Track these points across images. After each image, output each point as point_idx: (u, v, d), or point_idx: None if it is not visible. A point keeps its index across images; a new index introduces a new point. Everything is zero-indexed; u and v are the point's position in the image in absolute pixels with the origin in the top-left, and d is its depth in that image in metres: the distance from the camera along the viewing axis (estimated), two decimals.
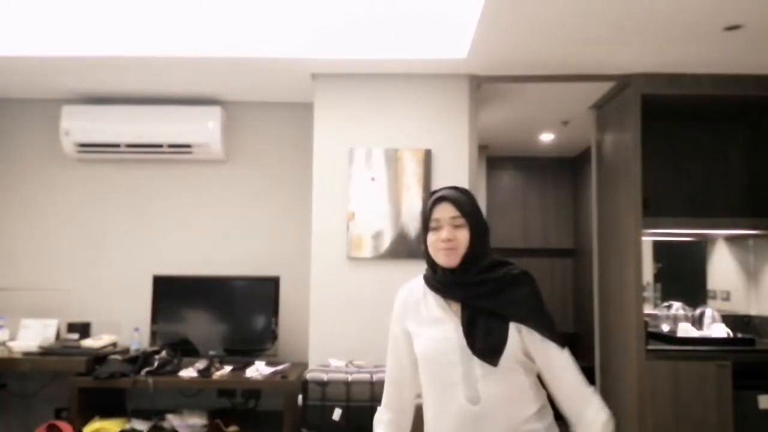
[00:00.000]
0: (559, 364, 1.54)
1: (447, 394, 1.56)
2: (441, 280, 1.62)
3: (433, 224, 1.61)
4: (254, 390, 3.52)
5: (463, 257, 1.58)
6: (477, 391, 1.53)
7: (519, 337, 1.53)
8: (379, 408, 1.75)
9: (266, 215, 3.89)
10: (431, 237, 1.61)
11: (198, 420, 3.29)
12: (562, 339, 1.55)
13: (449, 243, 1.57)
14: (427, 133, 3.41)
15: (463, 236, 1.58)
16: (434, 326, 1.61)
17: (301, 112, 3.86)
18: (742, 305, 3.91)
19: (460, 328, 1.56)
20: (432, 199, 1.64)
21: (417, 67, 3.35)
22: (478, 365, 1.53)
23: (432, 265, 1.65)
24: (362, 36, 3.03)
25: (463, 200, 1.62)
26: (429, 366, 1.61)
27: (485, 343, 1.52)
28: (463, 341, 1.54)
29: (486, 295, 1.57)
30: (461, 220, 1.59)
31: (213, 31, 2.99)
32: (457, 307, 1.59)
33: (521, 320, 1.54)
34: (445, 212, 1.60)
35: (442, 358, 1.57)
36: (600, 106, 3.94)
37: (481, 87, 3.50)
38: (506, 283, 1.58)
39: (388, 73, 3.42)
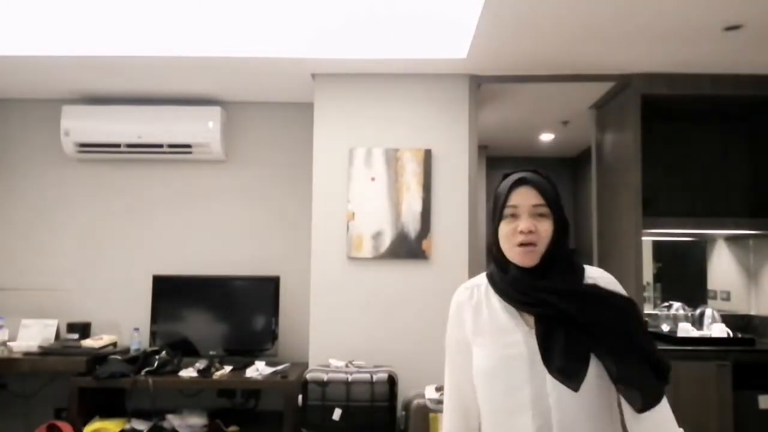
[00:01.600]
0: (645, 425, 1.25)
1: (511, 421, 1.27)
2: (513, 284, 1.31)
3: (509, 211, 1.31)
4: (254, 390, 3.52)
5: (543, 256, 1.29)
6: (549, 420, 1.24)
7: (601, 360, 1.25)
8: None
9: (266, 215, 3.89)
10: (505, 227, 1.31)
11: (198, 420, 3.29)
12: (662, 376, 1.29)
13: (529, 236, 1.28)
14: (427, 133, 3.41)
15: (546, 229, 1.29)
16: (499, 336, 1.32)
17: (301, 112, 3.85)
18: (742, 305, 3.91)
19: (532, 341, 1.27)
20: (511, 181, 1.33)
21: (417, 67, 3.35)
22: (551, 388, 1.24)
23: (502, 262, 1.35)
24: (362, 36, 3.03)
25: (547, 186, 1.33)
26: (490, 384, 1.31)
27: (566, 361, 1.23)
28: (535, 357, 1.26)
29: (572, 306, 1.26)
30: (545, 209, 1.30)
31: (213, 31, 2.99)
32: (529, 315, 1.30)
33: (607, 347, 1.25)
34: (526, 198, 1.30)
35: (508, 375, 1.28)
36: (600, 106, 3.94)
37: (481, 87, 3.49)
38: (599, 297, 1.29)
39: (387, 73, 3.42)
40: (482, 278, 1.41)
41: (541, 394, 1.25)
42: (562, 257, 1.32)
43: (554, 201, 1.32)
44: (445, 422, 1.45)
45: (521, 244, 1.28)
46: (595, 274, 1.34)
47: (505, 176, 1.38)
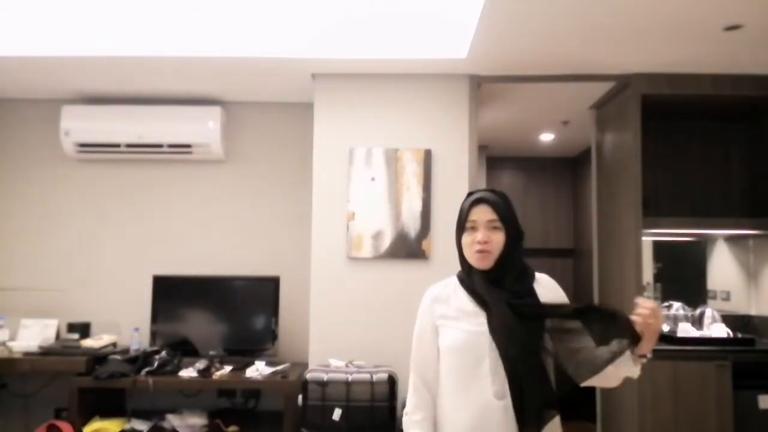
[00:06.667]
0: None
1: (471, 388, 1.56)
2: (476, 283, 1.61)
3: (469, 225, 1.62)
4: (254, 390, 3.52)
5: (497, 261, 1.60)
6: (504, 387, 1.53)
7: (549, 338, 1.57)
8: (405, 410, 1.71)
9: (266, 215, 3.89)
10: (466, 238, 1.63)
11: (198, 420, 3.29)
12: None
13: (484, 245, 1.59)
14: (427, 133, 3.41)
15: (499, 239, 1.60)
16: (466, 319, 1.61)
17: (301, 112, 3.86)
18: (742, 305, 3.91)
19: (494, 323, 1.56)
20: (470, 200, 1.65)
21: (417, 67, 3.35)
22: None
23: (466, 266, 1.66)
24: (362, 36, 3.03)
25: (501, 204, 1.63)
26: (456, 357, 1.60)
27: (525, 339, 1.54)
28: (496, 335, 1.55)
29: (524, 296, 1.59)
30: (498, 224, 1.61)
31: (213, 31, 2.99)
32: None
33: (557, 319, 1.57)
34: (482, 214, 1.61)
35: (472, 349, 1.57)
36: (600, 106, 3.94)
37: (481, 87, 3.49)
38: (544, 289, 1.63)
39: (387, 73, 3.42)
40: (451, 279, 1.72)
41: (498, 364, 1.54)
42: (515, 263, 1.63)
43: (507, 217, 1.62)
44: (411, 392, 1.70)
45: (478, 251, 1.59)
46: (542, 278, 1.68)
47: (469, 195, 1.68)
